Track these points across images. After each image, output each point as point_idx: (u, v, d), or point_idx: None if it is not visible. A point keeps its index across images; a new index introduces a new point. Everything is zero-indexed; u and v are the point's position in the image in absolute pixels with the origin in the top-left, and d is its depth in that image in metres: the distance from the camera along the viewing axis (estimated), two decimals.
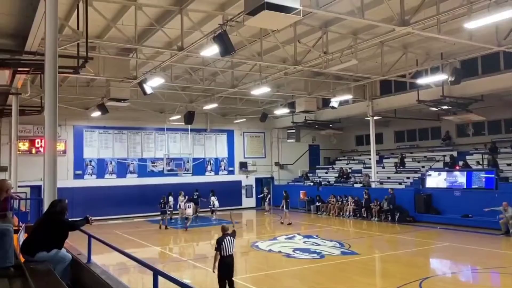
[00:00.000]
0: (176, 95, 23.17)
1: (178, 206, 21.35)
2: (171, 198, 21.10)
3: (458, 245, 14.73)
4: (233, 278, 8.30)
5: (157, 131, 26.90)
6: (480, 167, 20.12)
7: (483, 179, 18.67)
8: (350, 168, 28.45)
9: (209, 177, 28.07)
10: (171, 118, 25.73)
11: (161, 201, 20.49)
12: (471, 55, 16.74)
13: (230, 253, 8.20)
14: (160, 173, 26.25)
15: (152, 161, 26.59)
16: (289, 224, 19.96)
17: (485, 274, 11.28)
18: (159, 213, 20.54)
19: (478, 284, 10.75)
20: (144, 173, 26.17)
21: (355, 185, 24.76)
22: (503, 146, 21.11)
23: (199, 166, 27.99)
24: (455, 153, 23.10)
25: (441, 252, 14.26)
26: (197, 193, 23.68)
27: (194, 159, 27.69)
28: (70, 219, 5.93)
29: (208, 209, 22.58)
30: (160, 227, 19.75)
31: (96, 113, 21.69)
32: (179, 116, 24.88)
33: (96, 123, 24.47)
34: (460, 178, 19.78)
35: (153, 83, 17.07)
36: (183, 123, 24.26)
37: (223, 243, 8.17)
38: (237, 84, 20.03)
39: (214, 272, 8.22)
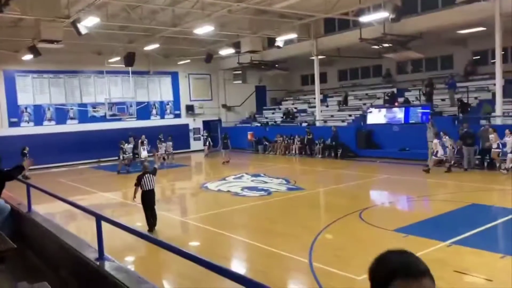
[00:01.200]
0: (114, 35, 21.89)
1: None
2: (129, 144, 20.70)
3: (395, 177, 15.74)
4: (155, 207, 9.91)
5: (96, 74, 25.63)
6: (418, 103, 21.16)
7: (420, 114, 19.72)
8: (296, 108, 28.94)
9: (154, 121, 27.53)
10: (110, 60, 24.49)
11: (121, 146, 20.15)
12: None
13: (149, 188, 9.66)
14: (103, 118, 25.39)
15: (93, 106, 25.55)
16: (227, 162, 20.71)
17: (418, 201, 12.21)
18: (104, 159, 20.12)
19: (412, 210, 11.65)
20: (85, 119, 25.19)
21: (303, 124, 25.23)
22: (438, 82, 22.17)
23: (144, 110, 27.28)
24: (395, 90, 24.05)
25: (380, 184, 15.21)
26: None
27: (138, 103, 26.88)
28: (5, 169, 5.66)
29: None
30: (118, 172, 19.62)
31: (28, 56, 20.12)
32: (118, 58, 23.74)
33: (29, 67, 22.84)
34: (399, 114, 20.76)
35: (88, 23, 15.97)
36: (124, 66, 23.22)
37: (143, 180, 9.62)
38: (179, 22, 19.20)
39: (134, 201, 10.13)
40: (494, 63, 17.35)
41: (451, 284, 6.23)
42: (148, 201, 9.71)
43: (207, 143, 25.55)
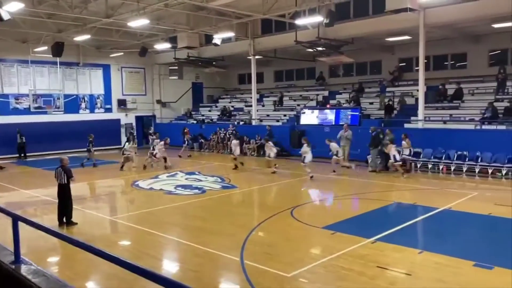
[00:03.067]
0: (42, 23, 20.56)
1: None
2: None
3: (326, 176, 16.29)
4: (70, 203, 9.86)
5: (19, 63, 23.94)
6: (348, 105, 22.08)
7: (349, 116, 20.58)
8: (232, 107, 29.00)
9: (83, 115, 26.27)
10: (36, 50, 23.00)
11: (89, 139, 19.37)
12: None
13: (60, 182, 9.76)
14: (26, 111, 23.82)
15: (16, 97, 23.86)
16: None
17: (346, 200, 12.74)
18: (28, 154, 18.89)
19: (340, 209, 12.11)
20: (7, 111, 23.45)
21: (241, 123, 25.27)
22: (367, 86, 23.26)
23: (72, 104, 25.92)
24: (326, 93, 24.93)
25: (311, 183, 15.64)
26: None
27: (66, 96, 25.51)
28: None
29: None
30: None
31: None
32: (45, 47, 22.35)
33: None
34: (330, 115, 21.53)
35: (11, 8, 14.85)
36: (51, 55, 21.90)
37: (55, 173, 9.89)
38: (112, 14, 18.45)
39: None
40: (417, 70, 18.52)
41: (374, 279, 6.57)
42: (58, 194, 9.83)
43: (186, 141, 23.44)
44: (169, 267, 7.69)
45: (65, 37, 22.24)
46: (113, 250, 8.06)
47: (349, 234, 8.67)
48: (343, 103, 22.82)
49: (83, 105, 26.60)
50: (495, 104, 17.11)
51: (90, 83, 26.85)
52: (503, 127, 16.01)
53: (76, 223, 9.89)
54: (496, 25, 17.28)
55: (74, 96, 26.07)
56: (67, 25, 21.45)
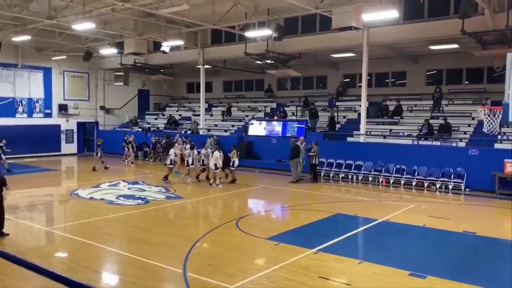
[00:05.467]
0: None
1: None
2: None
3: (272, 187, 16.47)
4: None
5: None
6: (294, 117, 22.53)
7: (296, 128, 21.01)
8: (180, 115, 28.65)
9: (20, 120, 24.85)
10: None
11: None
12: (293, 14, 18.08)
13: None
14: None
15: None
16: (93, 169, 19.72)
17: (291, 210, 12.91)
18: None
19: (285, 219, 12.25)
20: None
21: (188, 132, 24.95)
22: (313, 100, 23.89)
23: (8, 107, 24.47)
24: (274, 105, 25.33)
25: (257, 194, 15.74)
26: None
27: (1, 99, 24.05)
28: None
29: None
30: None
31: None
32: None
33: None
34: (277, 127, 21.85)
35: None
36: None
37: None
38: (55, 15, 17.74)
39: None
40: (361, 86, 19.28)
41: None
42: None
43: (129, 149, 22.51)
44: (108, 280, 7.39)
45: (2, 37, 21.05)
46: (47, 263, 7.64)
47: (292, 245, 8.78)
48: (289, 116, 23.28)
49: (20, 109, 25.19)
50: (431, 121, 18.16)
51: (29, 86, 25.51)
52: (437, 143, 17.01)
53: (8, 234, 9.28)
54: (432, 47, 18.44)
55: (11, 99, 24.64)
56: (5, 24, 20.35)
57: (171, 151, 17.10)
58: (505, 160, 14.50)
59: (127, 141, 22.52)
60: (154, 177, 18.48)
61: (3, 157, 18.62)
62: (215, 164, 15.87)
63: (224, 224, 10.64)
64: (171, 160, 16.85)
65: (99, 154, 19.97)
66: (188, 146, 17.33)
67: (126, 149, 22.37)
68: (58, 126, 26.58)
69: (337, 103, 22.61)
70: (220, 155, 15.97)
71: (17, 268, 6.92)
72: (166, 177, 16.75)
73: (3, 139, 18.88)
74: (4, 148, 18.65)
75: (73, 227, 10.48)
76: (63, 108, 26.90)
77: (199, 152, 16.80)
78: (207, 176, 16.89)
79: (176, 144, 17.69)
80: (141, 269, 7.57)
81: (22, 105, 25.25)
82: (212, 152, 16.15)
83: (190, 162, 16.56)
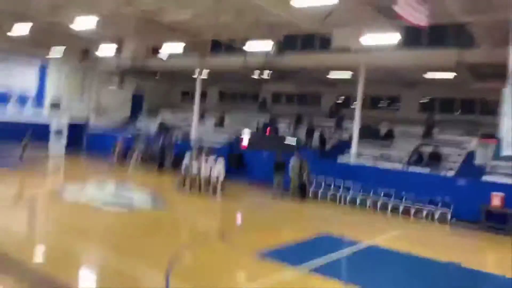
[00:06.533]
0: None
1: None
2: None
3: (261, 201, 16.38)
4: None
5: None
6: (287, 132, 22.59)
7: None
8: (172, 122, 28.50)
9: (11, 115, 24.48)
10: None
11: None
12: (294, 31, 18.21)
13: None
14: None
15: None
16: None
17: (277, 226, 12.78)
18: None
19: (272, 235, 12.11)
20: None
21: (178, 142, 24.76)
22: (309, 119, 23.93)
23: None
24: (267, 118, 25.32)
25: (245, 207, 15.59)
26: None
27: None
28: None
29: None
30: None
31: None
32: None
33: None
34: None
35: None
36: None
37: None
38: (56, 12, 17.63)
39: None
40: (354, 107, 19.40)
41: None
42: None
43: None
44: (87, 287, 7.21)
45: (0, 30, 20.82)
46: (27, 268, 7.44)
47: (277, 262, 8.68)
48: (282, 131, 23.30)
49: (10, 104, 24.85)
50: (422, 148, 18.29)
51: (22, 80, 25.22)
52: (427, 170, 17.09)
53: None
54: (428, 75, 18.68)
55: (2, 93, 24.33)
56: (2, 16, 20.13)
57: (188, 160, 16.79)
58: (492, 193, 14.59)
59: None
60: (142, 183, 18.26)
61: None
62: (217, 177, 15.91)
63: (209, 236, 10.52)
64: (186, 166, 16.59)
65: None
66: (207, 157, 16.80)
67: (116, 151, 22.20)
68: (48, 124, 26.23)
69: (329, 124, 22.70)
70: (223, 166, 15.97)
71: None
72: (183, 183, 16.69)
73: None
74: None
75: (55, 230, 10.25)
76: (55, 106, 26.60)
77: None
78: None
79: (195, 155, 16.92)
80: (122, 277, 7.40)
81: (12, 100, 24.93)
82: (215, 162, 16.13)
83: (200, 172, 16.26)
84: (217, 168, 15.92)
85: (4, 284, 6.43)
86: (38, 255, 8.58)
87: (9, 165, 18.76)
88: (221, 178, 16.01)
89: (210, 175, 16.16)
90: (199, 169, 16.16)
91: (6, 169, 18.16)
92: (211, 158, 16.43)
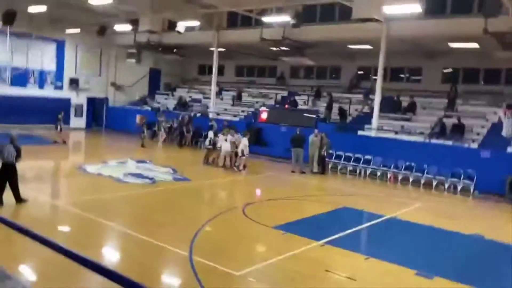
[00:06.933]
0: None
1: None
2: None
3: (279, 175, 16.38)
4: (19, 185, 9.39)
5: None
6: (306, 107, 22.34)
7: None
8: (190, 97, 28.52)
9: (31, 91, 24.83)
10: None
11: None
12: (313, 2, 17.75)
13: (6, 160, 9.18)
14: None
15: None
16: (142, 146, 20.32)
17: (298, 200, 12.79)
18: None
19: (292, 209, 12.15)
20: None
21: (197, 115, 24.77)
22: (325, 91, 23.64)
23: (20, 77, 24.43)
24: (286, 93, 25.08)
25: (264, 181, 15.65)
26: None
27: (14, 69, 24.01)
28: None
29: None
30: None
31: None
32: None
33: None
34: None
35: None
36: (0, 24, 20.52)
37: (4, 150, 9.18)
38: None
39: None
40: (375, 79, 19.01)
41: (322, 283, 6.63)
42: (5, 173, 9.28)
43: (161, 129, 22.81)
44: (113, 258, 7.39)
45: (18, 6, 20.88)
46: (53, 236, 7.64)
47: (299, 236, 8.70)
48: (301, 105, 23.07)
49: (32, 80, 25.16)
50: (444, 120, 17.91)
51: (41, 57, 25.44)
52: (449, 142, 16.78)
53: (26, 200, 9.51)
54: (452, 44, 18.06)
55: (23, 70, 24.61)
56: None
57: (212, 136, 16.99)
58: None
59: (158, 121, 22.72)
60: (162, 157, 18.43)
61: (61, 128, 19.79)
62: (242, 150, 15.97)
63: (231, 209, 10.61)
64: (212, 142, 16.74)
65: (59, 128, 19.95)
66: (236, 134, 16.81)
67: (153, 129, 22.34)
68: (69, 99, 26.57)
69: (350, 95, 22.36)
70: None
71: (25, 239, 6.92)
72: (207, 160, 16.97)
73: (62, 111, 20.17)
74: (61, 120, 19.83)
75: (80, 203, 10.47)
76: (74, 82, 26.85)
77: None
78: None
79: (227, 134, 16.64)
80: (147, 249, 7.55)
81: (33, 76, 25.23)
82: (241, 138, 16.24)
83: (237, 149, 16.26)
84: (242, 144, 15.97)
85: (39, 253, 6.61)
86: (64, 225, 8.80)
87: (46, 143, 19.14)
88: (246, 153, 16.08)
89: (234, 151, 16.28)
90: (227, 146, 16.22)
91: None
92: (237, 135, 16.46)
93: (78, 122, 26.89)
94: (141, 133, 21.15)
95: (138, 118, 25.79)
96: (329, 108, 21.16)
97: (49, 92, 25.61)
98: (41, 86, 25.51)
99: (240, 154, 16.04)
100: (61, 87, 26.41)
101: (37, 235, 2.70)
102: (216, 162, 16.67)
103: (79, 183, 13.05)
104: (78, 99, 27.10)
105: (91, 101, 27.96)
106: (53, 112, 21.19)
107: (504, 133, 10.96)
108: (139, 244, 7.82)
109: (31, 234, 2.75)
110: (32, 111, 23.20)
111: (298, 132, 17.13)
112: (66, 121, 25.88)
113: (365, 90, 22.07)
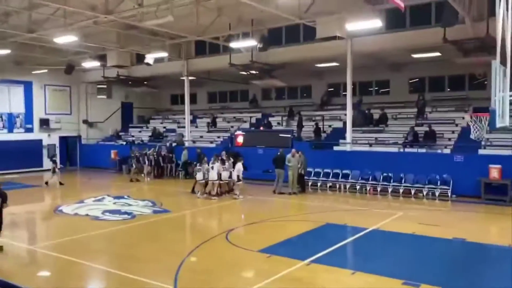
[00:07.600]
0: None
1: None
2: None
3: (260, 198, 16.32)
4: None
5: None
6: (280, 127, 22.52)
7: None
8: (164, 127, 28.39)
9: (0, 135, 24.26)
10: None
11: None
12: (277, 25, 18.12)
13: None
14: None
15: None
16: (61, 184, 19.82)
17: (280, 222, 12.74)
18: None
19: (275, 231, 12.06)
20: None
21: (173, 144, 24.57)
22: (299, 110, 23.92)
23: None
24: (259, 115, 25.29)
25: (245, 205, 15.55)
26: None
27: None
28: None
29: None
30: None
31: None
32: None
33: None
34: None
35: None
36: None
37: None
38: (35, 29, 17.45)
39: None
40: (345, 95, 19.37)
41: None
42: None
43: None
44: None
45: None
46: (33, 283, 7.35)
47: (284, 257, 8.65)
48: (275, 126, 23.27)
49: (0, 124, 24.62)
50: (416, 128, 18.33)
51: (9, 101, 24.99)
52: (423, 150, 17.14)
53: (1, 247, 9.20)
54: (415, 55, 18.67)
55: None
56: None
57: (204, 167, 16.22)
58: (490, 165, 14.67)
59: (145, 153, 22.26)
60: (140, 191, 18.14)
61: (57, 170, 19.74)
62: (238, 176, 16.01)
63: (214, 237, 10.47)
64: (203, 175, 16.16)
65: (57, 171, 19.85)
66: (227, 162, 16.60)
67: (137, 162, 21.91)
68: (40, 141, 26.05)
69: (322, 113, 22.70)
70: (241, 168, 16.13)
71: None
72: (193, 190, 16.90)
73: (55, 154, 20.09)
74: (57, 162, 19.92)
75: (58, 245, 10.15)
76: (44, 123, 26.39)
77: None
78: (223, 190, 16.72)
79: (218, 161, 16.42)
80: (130, 286, 7.34)
81: (2, 120, 24.71)
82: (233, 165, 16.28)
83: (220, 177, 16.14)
84: (236, 170, 16.06)
85: None
86: (43, 269, 8.49)
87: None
88: (241, 178, 16.23)
89: (227, 178, 16.35)
90: (219, 175, 16.04)
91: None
92: (228, 163, 16.43)
93: (51, 163, 26.27)
94: (130, 167, 20.85)
95: (113, 154, 25.49)
96: (299, 126, 21.40)
97: (19, 135, 25.08)
98: (10, 130, 24.98)
99: (236, 179, 16.08)
100: (31, 129, 25.92)
101: (12, 285, 2.59)
102: (209, 191, 16.29)
103: (56, 225, 12.68)
104: (50, 139, 26.59)
105: (63, 140, 27.49)
106: (24, 155, 20.76)
107: (473, 136, 11.26)
108: (122, 282, 7.60)
109: (8, 285, 2.64)
110: (2, 156, 22.65)
111: (279, 153, 17.19)
112: (39, 163, 25.40)
113: (356, 102, 22.16)
